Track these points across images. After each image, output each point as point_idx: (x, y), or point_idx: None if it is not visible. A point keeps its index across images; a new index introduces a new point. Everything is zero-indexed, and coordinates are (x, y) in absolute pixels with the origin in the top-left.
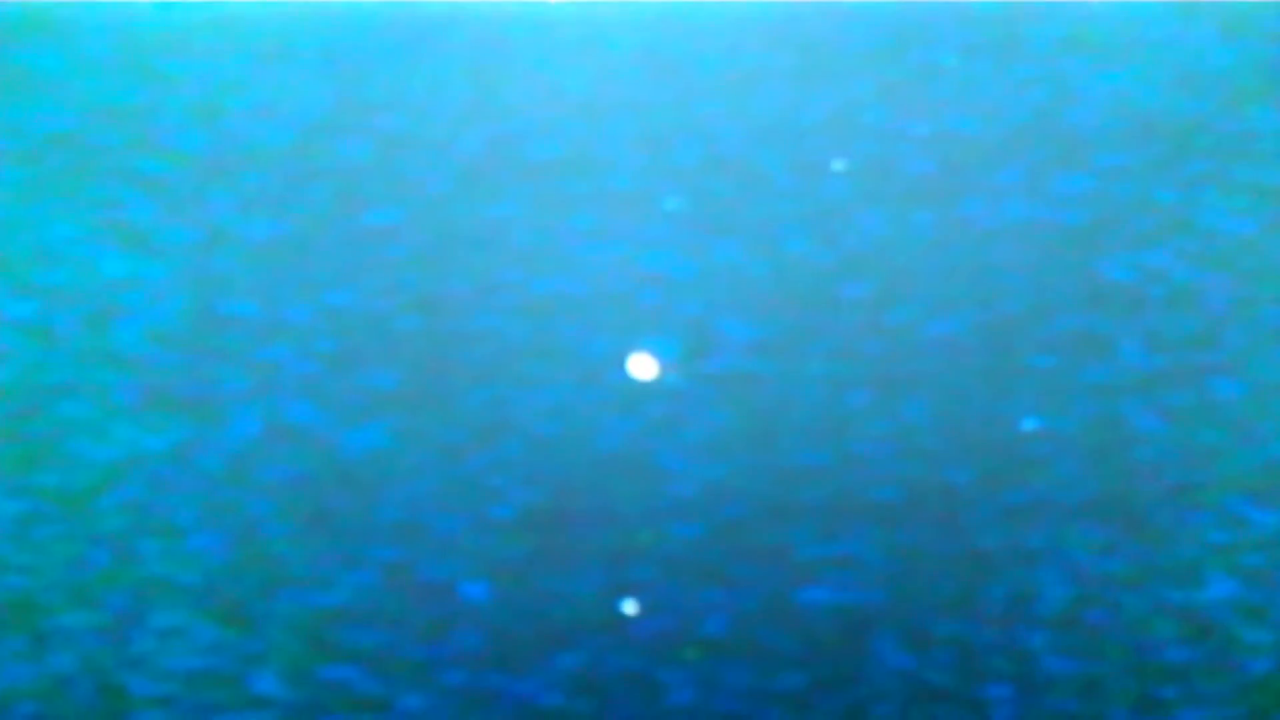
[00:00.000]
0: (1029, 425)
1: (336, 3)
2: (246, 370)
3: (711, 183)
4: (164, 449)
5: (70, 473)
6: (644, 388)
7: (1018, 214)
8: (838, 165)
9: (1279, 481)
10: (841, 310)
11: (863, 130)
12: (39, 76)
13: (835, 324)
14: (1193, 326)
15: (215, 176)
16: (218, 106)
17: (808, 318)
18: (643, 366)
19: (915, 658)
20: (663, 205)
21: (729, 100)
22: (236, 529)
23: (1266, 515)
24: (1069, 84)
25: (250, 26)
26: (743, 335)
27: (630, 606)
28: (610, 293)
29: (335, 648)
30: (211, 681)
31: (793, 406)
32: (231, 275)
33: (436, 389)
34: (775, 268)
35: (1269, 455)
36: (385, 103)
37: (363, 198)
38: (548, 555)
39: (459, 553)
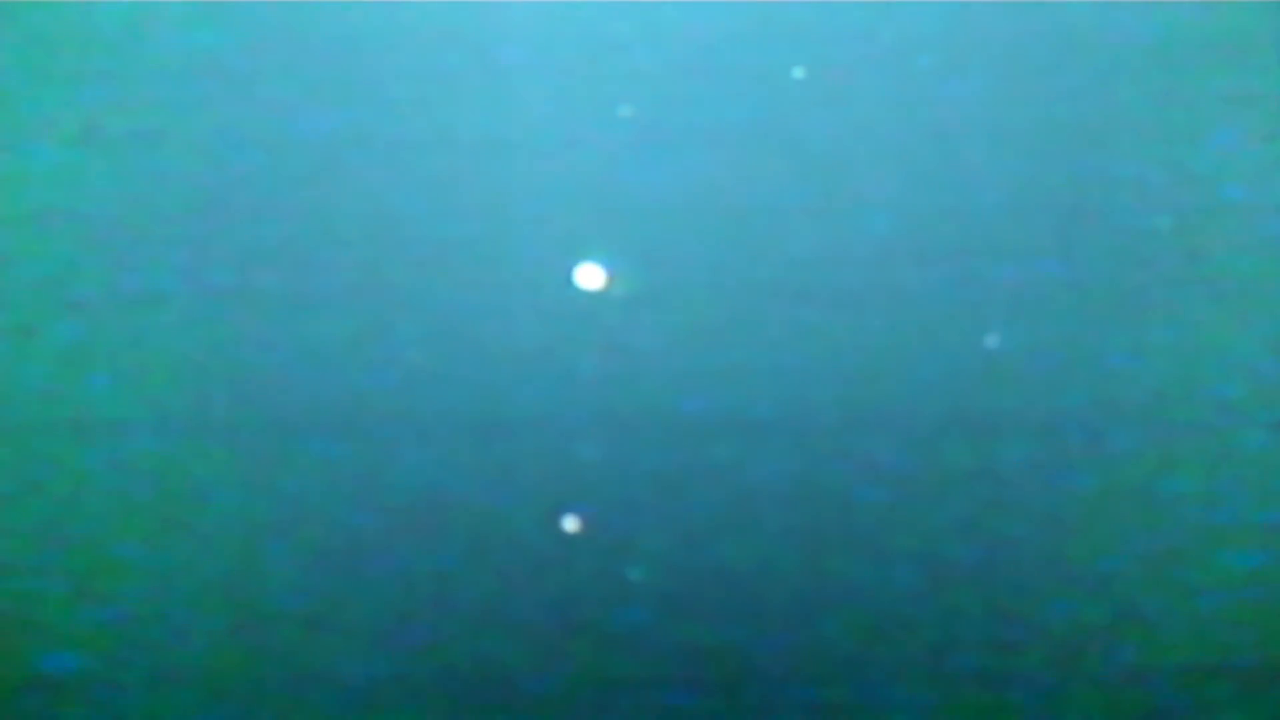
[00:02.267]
0: (991, 342)
1: None
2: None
3: (667, 89)
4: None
5: None
6: (592, 297)
7: (989, 119)
8: (798, 72)
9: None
10: (798, 219)
11: (829, 36)
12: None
13: (792, 233)
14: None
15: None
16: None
17: (764, 229)
18: (591, 276)
19: (874, 573)
20: (616, 111)
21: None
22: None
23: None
24: None
25: None
26: (696, 245)
27: (572, 522)
28: (561, 199)
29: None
30: None
31: (746, 317)
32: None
33: (380, 292)
34: (730, 176)
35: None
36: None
37: (319, 97)
38: (488, 465)
39: (398, 456)
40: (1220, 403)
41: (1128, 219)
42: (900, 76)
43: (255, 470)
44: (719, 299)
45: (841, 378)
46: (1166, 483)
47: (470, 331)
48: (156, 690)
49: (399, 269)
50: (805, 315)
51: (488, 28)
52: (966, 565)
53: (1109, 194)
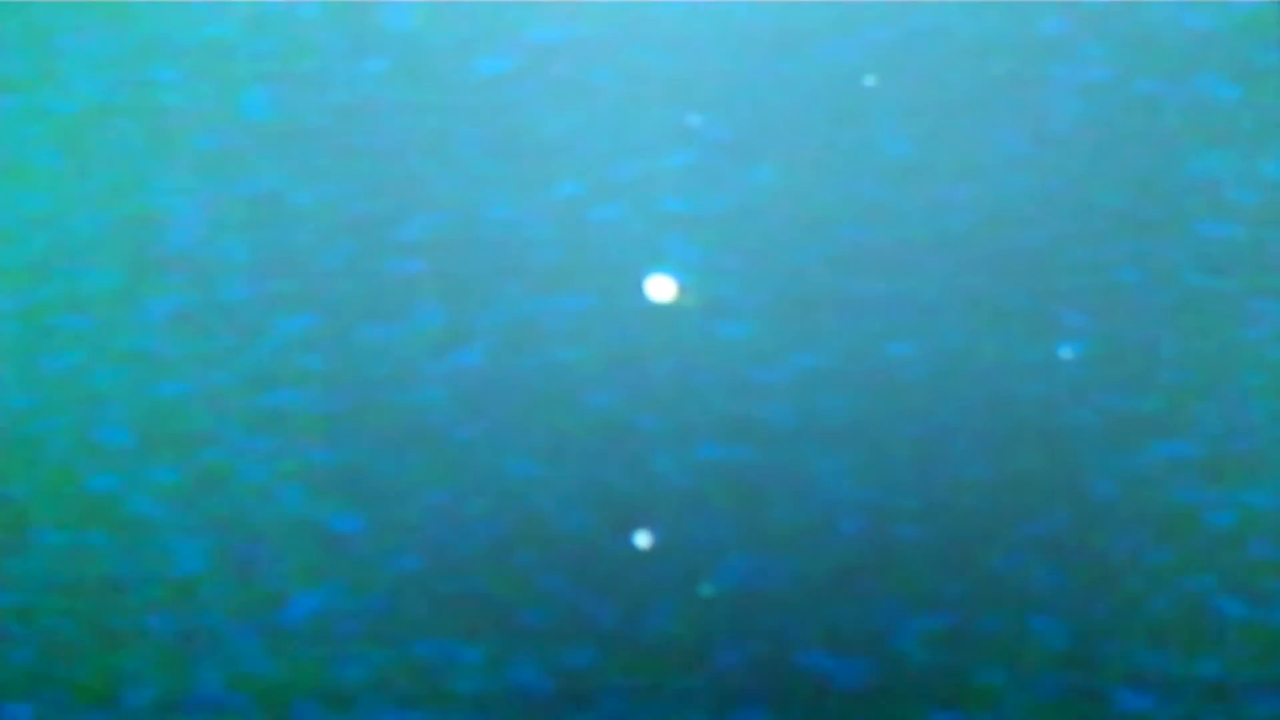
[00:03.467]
0: (1065, 351)
1: None
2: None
3: (738, 100)
4: None
5: None
6: (662, 308)
7: (1060, 125)
8: (869, 80)
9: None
10: (868, 227)
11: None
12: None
13: (863, 241)
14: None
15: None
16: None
17: (833, 237)
18: (662, 287)
19: (952, 584)
20: (685, 121)
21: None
22: None
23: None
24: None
25: None
26: (767, 254)
27: (643, 538)
28: (633, 210)
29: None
30: None
31: (816, 326)
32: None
33: (453, 301)
34: (797, 188)
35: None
36: (398, 21)
37: (378, 105)
38: (560, 479)
39: (467, 471)
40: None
41: (1198, 225)
42: (969, 85)
43: (331, 478)
44: (789, 308)
45: (913, 386)
46: (1237, 496)
47: (542, 340)
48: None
49: (471, 278)
50: (875, 324)
51: (564, 36)
52: (1047, 578)
53: (1176, 200)
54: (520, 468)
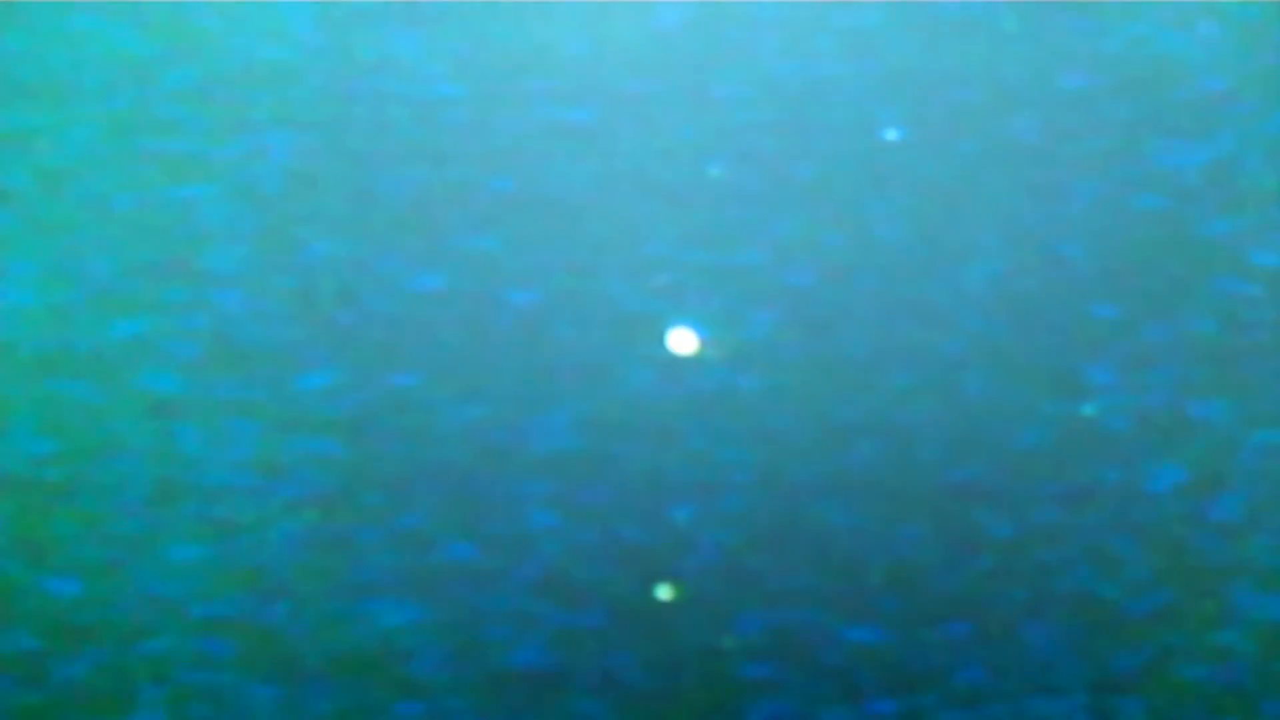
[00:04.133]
0: (1089, 410)
1: None
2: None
3: (756, 149)
4: None
5: None
6: (684, 360)
7: (1090, 182)
8: (890, 134)
9: None
10: (895, 279)
11: (915, 94)
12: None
13: (884, 297)
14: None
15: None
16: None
17: (861, 289)
18: (683, 340)
19: (983, 641)
20: (707, 171)
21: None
22: None
23: None
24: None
25: None
26: (785, 308)
27: (665, 592)
28: (654, 262)
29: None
30: None
31: (846, 378)
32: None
33: (474, 353)
34: (817, 240)
35: None
36: (416, 62)
37: (399, 158)
38: (581, 531)
39: (485, 517)
40: None
41: (1218, 283)
42: (992, 139)
43: (354, 520)
44: (811, 361)
45: (940, 440)
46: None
47: (567, 390)
48: None
49: (492, 327)
50: (898, 377)
51: (587, 89)
52: (1074, 638)
53: (1197, 258)
54: (539, 519)
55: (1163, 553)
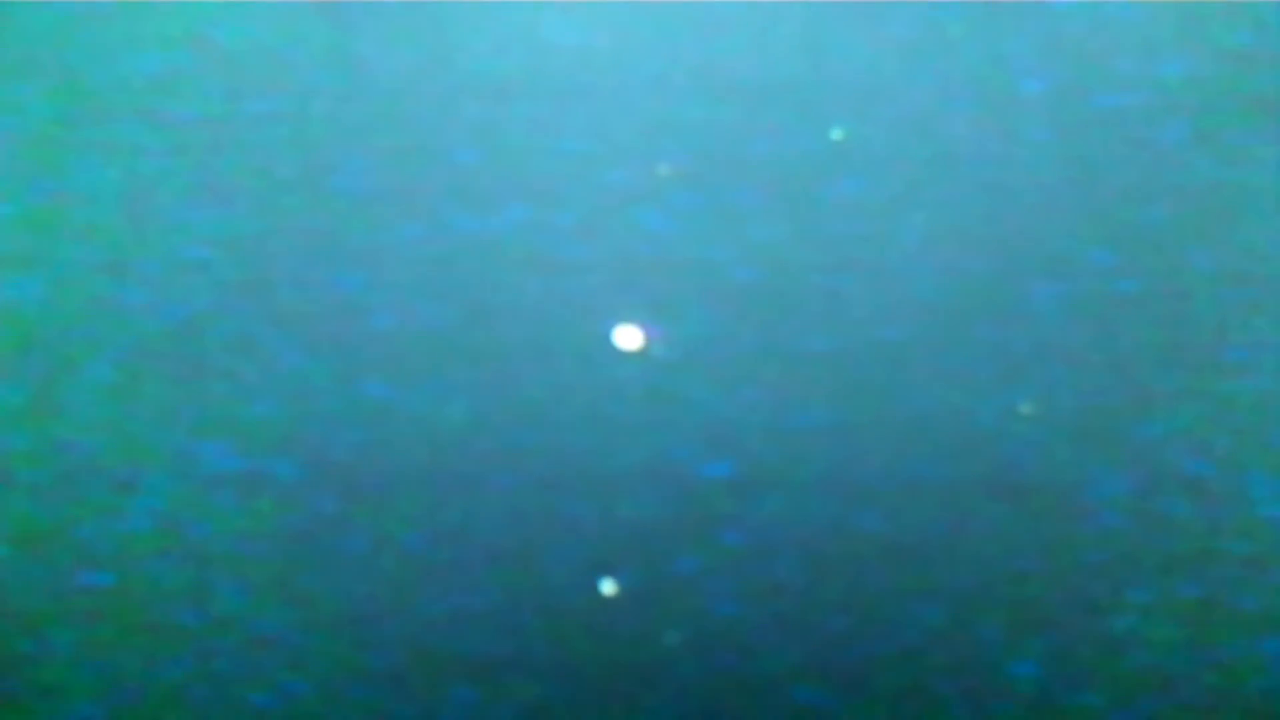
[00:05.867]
0: (1026, 409)
1: None
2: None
3: (706, 148)
4: None
5: None
6: (629, 357)
7: (1034, 181)
8: (836, 134)
9: None
10: (832, 280)
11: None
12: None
13: (827, 294)
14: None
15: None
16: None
17: (799, 289)
18: (628, 337)
19: (911, 632)
20: (656, 170)
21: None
22: None
23: None
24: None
25: None
26: (732, 306)
27: (609, 585)
28: (602, 259)
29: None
30: None
31: (783, 378)
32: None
33: (420, 347)
34: (765, 238)
35: None
36: (388, 64)
37: (360, 153)
38: (533, 521)
39: (433, 511)
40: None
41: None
42: (940, 136)
43: (293, 520)
44: (756, 359)
45: (889, 435)
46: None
47: (510, 388)
48: None
49: (440, 325)
50: (844, 375)
51: (528, 85)
52: (1005, 635)
53: (1166, 238)
54: (489, 510)
55: (1103, 548)
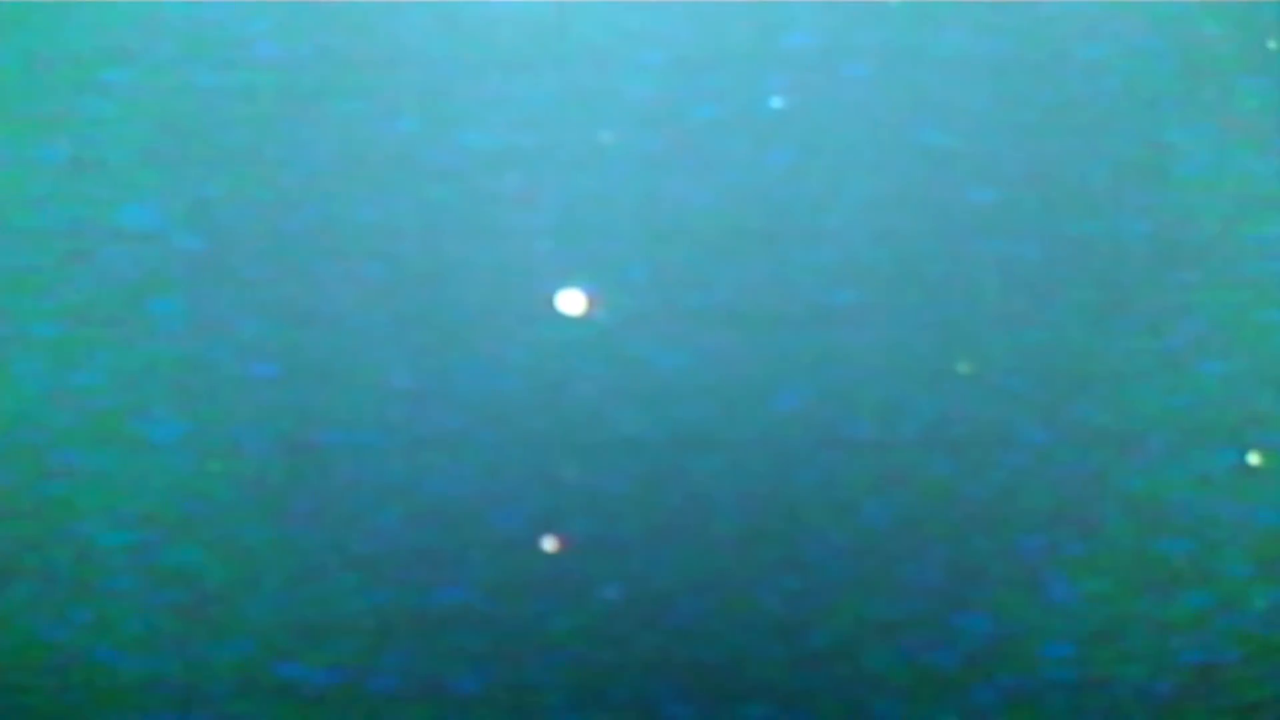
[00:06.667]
0: (963, 368)
1: None
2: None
3: (648, 114)
4: None
5: None
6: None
7: (980, 140)
8: (776, 102)
9: None
10: (783, 241)
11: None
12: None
13: (777, 254)
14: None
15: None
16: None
17: (748, 251)
18: (572, 302)
19: (865, 595)
20: (599, 136)
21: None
22: None
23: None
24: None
25: None
26: (679, 268)
27: (550, 542)
28: (546, 221)
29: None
30: None
31: (730, 339)
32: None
33: (368, 310)
34: (716, 203)
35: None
36: (326, 23)
37: (306, 120)
38: (470, 481)
39: (386, 474)
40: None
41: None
42: (887, 96)
43: (248, 486)
44: (705, 321)
45: (828, 398)
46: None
47: (457, 351)
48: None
49: (388, 288)
50: (789, 336)
51: (475, 47)
52: (964, 593)
53: (1104, 204)
54: (433, 473)
55: (1045, 505)
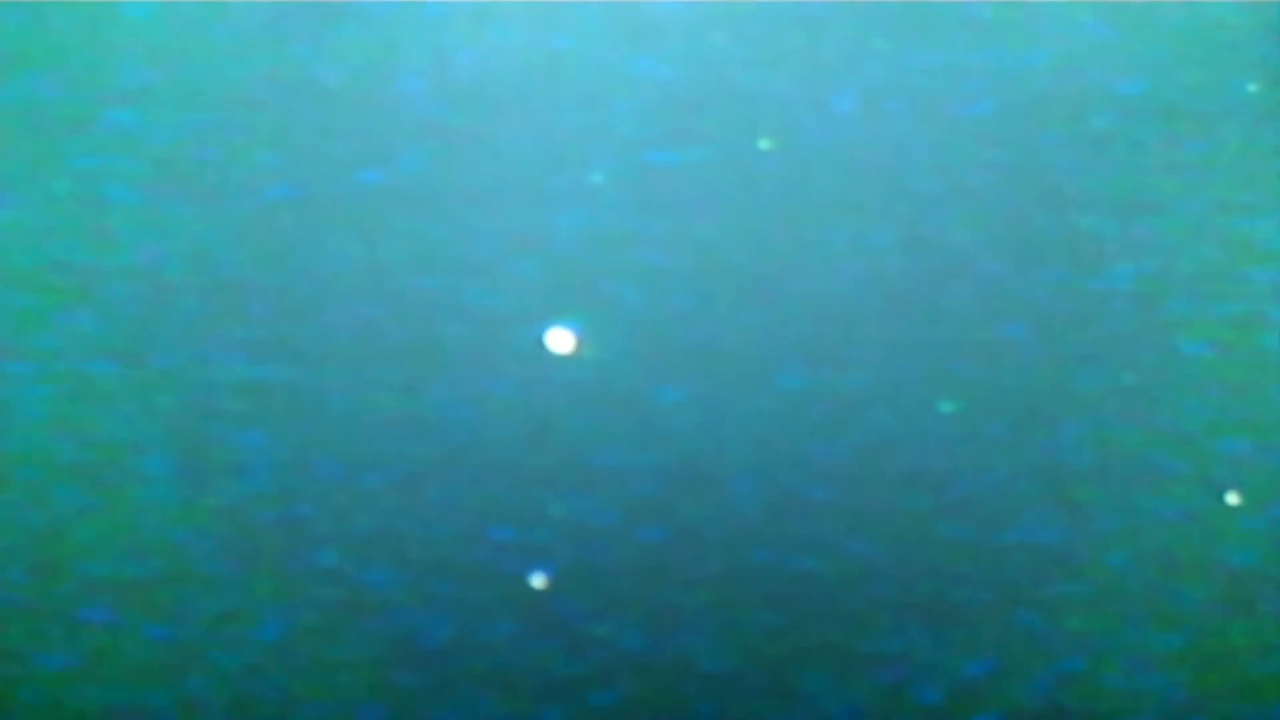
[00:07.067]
0: (947, 408)
1: None
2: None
3: (638, 154)
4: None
5: None
6: (562, 360)
7: (965, 185)
8: (764, 143)
9: None
10: (774, 283)
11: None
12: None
13: (760, 298)
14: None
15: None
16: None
17: (737, 290)
18: (561, 340)
19: (856, 628)
20: (589, 178)
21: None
22: None
23: None
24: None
25: None
26: (667, 307)
27: (540, 580)
28: (535, 262)
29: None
30: None
31: (719, 376)
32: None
33: (360, 344)
34: (704, 242)
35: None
36: (321, 64)
37: (301, 157)
38: (459, 517)
39: (376, 510)
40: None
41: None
42: (878, 136)
43: (240, 520)
44: (695, 359)
45: (817, 434)
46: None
47: (447, 388)
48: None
49: (379, 323)
50: (779, 374)
51: (470, 86)
52: (957, 628)
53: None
54: (424, 506)
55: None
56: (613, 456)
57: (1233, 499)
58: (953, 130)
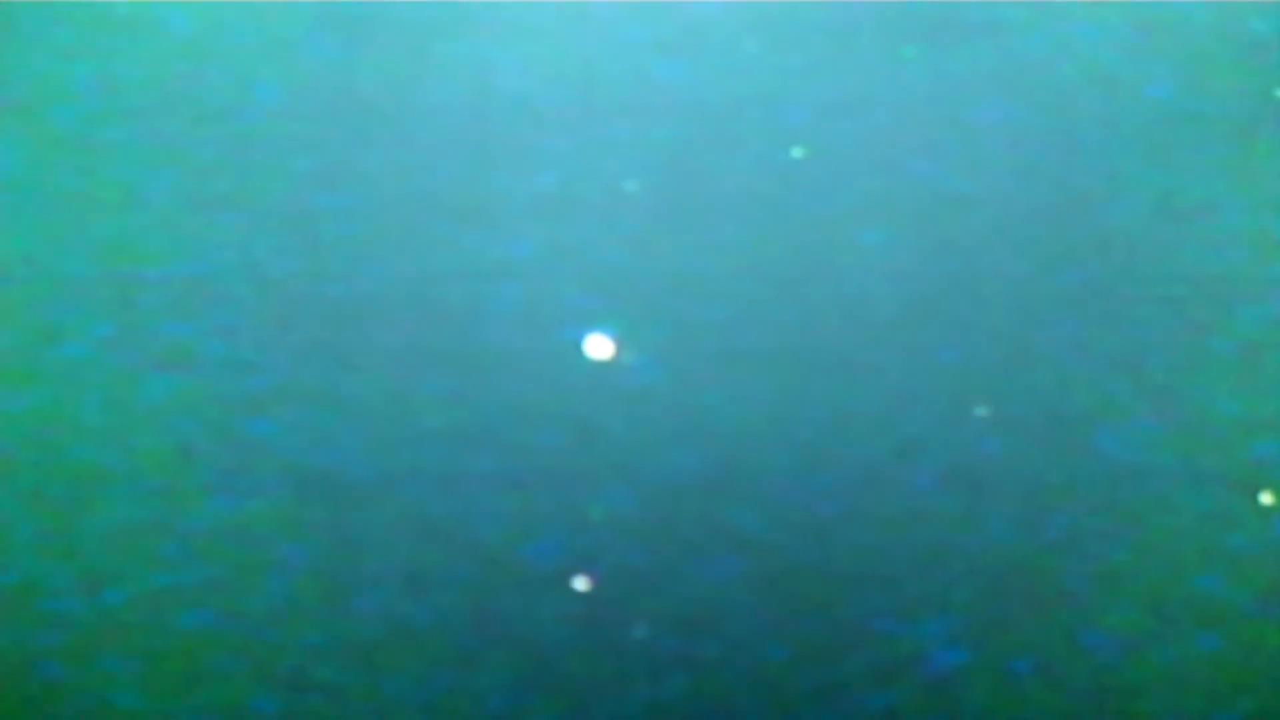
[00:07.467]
0: (981, 411)
1: None
2: (227, 332)
3: (674, 164)
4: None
5: None
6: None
7: (982, 194)
8: (797, 152)
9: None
10: (793, 287)
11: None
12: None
13: (791, 300)
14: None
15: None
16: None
17: (766, 298)
18: (599, 346)
19: (881, 631)
20: (624, 186)
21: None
22: None
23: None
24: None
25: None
26: (700, 317)
27: (581, 581)
28: (574, 274)
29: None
30: None
31: (751, 382)
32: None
33: (403, 352)
34: (735, 252)
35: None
36: (363, 75)
37: (341, 166)
38: (505, 519)
39: (415, 512)
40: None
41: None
42: (908, 144)
43: (278, 525)
44: (731, 364)
45: (851, 438)
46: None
47: (486, 391)
48: None
49: (422, 330)
50: (813, 378)
51: (502, 99)
52: (971, 632)
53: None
54: (465, 513)
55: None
56: (653, 459)
57: (1267, 499)
58: (989, 137)
